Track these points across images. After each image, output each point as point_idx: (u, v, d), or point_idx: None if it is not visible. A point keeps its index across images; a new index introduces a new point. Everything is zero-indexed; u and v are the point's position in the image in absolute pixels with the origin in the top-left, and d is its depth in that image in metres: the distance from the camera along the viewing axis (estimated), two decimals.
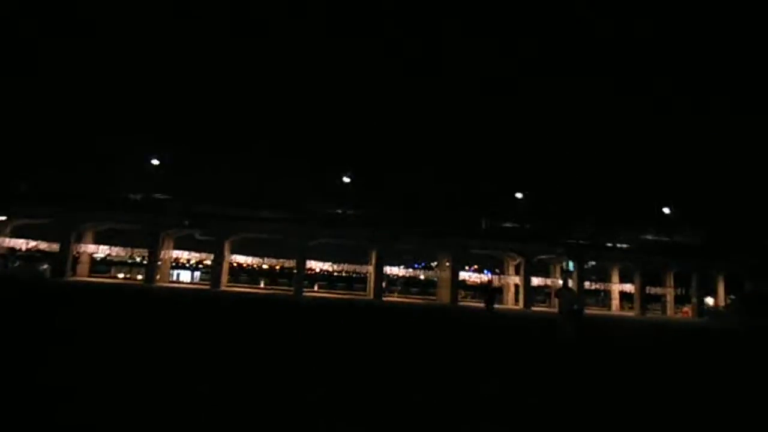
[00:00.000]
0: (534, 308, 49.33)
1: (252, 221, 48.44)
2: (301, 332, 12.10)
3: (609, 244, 55.00)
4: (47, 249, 46.50)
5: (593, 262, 55.28)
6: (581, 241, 53.33)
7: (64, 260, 44.18)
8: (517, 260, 53.65)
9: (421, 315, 24.10)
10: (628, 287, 55.27)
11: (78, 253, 48.17)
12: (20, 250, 47.30)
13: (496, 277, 61.37)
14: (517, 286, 54.06)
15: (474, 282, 64.33)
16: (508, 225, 54.16)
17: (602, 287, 58.49)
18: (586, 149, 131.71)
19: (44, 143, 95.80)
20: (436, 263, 60.16)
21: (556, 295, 15.22)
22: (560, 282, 55.54)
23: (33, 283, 32.64)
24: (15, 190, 44.97)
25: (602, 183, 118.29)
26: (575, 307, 16.07)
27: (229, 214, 47.73)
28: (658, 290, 55.93)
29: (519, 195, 54.53)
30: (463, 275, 57.46)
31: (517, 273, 54.35)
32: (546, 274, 56.38)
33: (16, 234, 47.88)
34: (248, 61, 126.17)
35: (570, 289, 17.19)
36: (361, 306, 30.20)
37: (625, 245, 54.75)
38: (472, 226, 52.51)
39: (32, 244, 47.13)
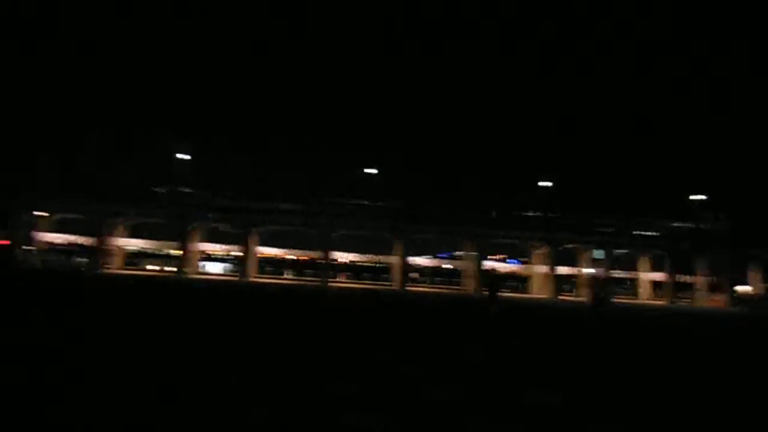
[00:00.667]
0: (561, 297, 48.92)
1: (276, 213, 49.31)
2: (324, 323, 12.41)
3: (638, 233, 53.97)
4: (84, 243, 48.36)
5: (622, 251, 54.30)
6: (609, 230, 52.48)
7: (99, 253, 45.87)
8: (543, 249, 53.17)
9: (442, 305, 24.24)
10: (658, 275, 54.15)
11: (112, 246, 49.91)
12: (60, 244, 49.30)
13: (515, 264, 60.99)
14: (543, 275, 53.65)
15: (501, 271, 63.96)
16: (533, 214, 53.72)
17: (631, 276, 57.47)
18: (613, 136, 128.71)
19: (76, 140, 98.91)
20: (461, 253, 60.13)
21: (587, 285, 15.94)
22: (588, 271, 54.92)
23: (72, 275, 34.02)
24: (51, 187, 46.83)
25: (631, 171, 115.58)
26: (602, 295, 16.34)
27: (254, 206, 48.70)
28: (688, 279, 54.63)
29: (544, 184, 53.90)
30: (489, 264, 57.28)
31: (543, 262, 53.90)
32: (573, 263, 55.69)
33: (56, 229, 49.96)
34: (269, 53, 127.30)
35: (598, 278, 17.83)
36: (386, 296, 30.47)
37: (654, 233, 53.63)
38: (496, 215, 52.27)
39: (70, 238, 49.14)
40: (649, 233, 53.97)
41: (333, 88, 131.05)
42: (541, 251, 53.98)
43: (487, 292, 17.05)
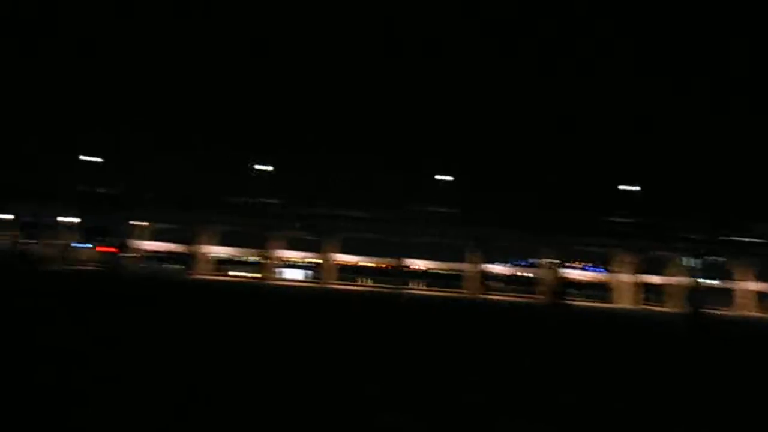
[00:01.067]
0: (647, 307, 46.58)
1: (354, 221, 50.49)
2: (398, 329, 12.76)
3: (736, 239, 50.34)
4: (177, 250, 51.83)
5: (718, 258, 50.82)
6: (702, 236, 49.33)
7: (190, 260, 48.99)
8: (629, 257, 50.82)
9: (522, 312, 23.92)
10: (759, 285, 50.16)
11: (202, 253, 53.08)
12: (155, 251, 53.11)
13: (597, 272, 58.57)
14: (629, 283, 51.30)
15: (580, 279, 61.77)
16: (617, 220, 51.49)
17: (728, 285, 53.53)
18: (706, 135, 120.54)
19: (164, 154, 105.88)
20: (539, 260, 58.66)
21: (681, 294, 14.82)
22: (678, 280, 51.86)
23: (169, 280, 36.61)
24: (146, 199, 50.73)
25: (726, 172, 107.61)
26: (697, 306, 15.58)
27: (332, 214, 50.14)
28: None
29: (631, 188, 51.46)
30: (570, 273, 55.53)
31: (629, 270, 51.52)
32: (661, 271, 52.75)
33: (152, 237, 53.93)
34: (346, 60, 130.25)
35: (694, 288, 16.86)
36: (462, 304, 30.44)
37: (755, 239, 49.78)
38: (578, 222, 50.58)
39: (164, 246, 52.87)
40: (748, 239, 50.18)
41: (406, 96, 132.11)
42: (625, 259, 51.62)
43: (553, 300, 15.91)
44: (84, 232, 51.57)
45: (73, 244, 50.38)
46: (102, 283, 24.46)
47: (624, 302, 51.37)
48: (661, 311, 42.40)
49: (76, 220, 48.58)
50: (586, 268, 63.44)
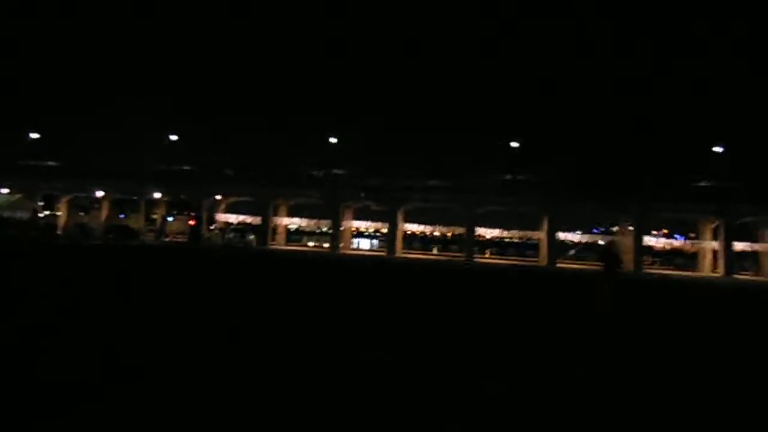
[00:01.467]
0: (738, 276, 43.53)
1: (423, 190, 50.47)
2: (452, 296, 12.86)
3: None
4: (252, 222, 54.39)
5: None
6: None
7: (265, 231, 51.27)
8: (715, 223, 47.48)
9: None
10: None
11: (276, 224, 55.36)
12: (233, 223, 56.01)
13: (681, 240, 55.10)
14: (715, 252, 48.10)
15: (662, 247, 58.64)
16: (703, 184, 47.99)
17: None
18: None
19: (238, 129, 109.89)
20: (616, 228, 56.19)
21: None
22: None
23: (244, 250, 38.76)
24: (222, 173, 53.24)
25: None
26: None
27: (400, 185, 50.35)
28: None
29: (717, 149, 47.66)
30: (650, 240, 52.83)
31: (715, 237, 48.22)
32: (752, 238, 48.87)
33: (229, 210, 56.88)
34: (417, 34, 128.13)
35: None
36: (534, 272, 29.93)
37: None
38: (659, 186, 47.64)
39: (241, 218, 55.64)
40: None
41: (469, 63, 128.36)
42: (712, 225, 48.28)
43: (602, 271, 12.72)
44: (169, 207, 55.18)
45: (166, 218, 54.24)
46: (192, 253, 26.27)
47: (709, 270, 48.40)
48: (751, 279, 39.56)
49: (158, 195, 51.99)
50: (676, 236, 59.95)
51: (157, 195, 51.93)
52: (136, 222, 52.15)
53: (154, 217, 54.67)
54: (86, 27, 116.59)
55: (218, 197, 54.35)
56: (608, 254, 12.15)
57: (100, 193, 51.94)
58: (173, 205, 54.38)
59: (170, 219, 54.30)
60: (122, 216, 53.95)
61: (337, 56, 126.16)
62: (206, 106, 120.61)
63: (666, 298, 16.40)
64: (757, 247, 48.77)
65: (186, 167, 54.38)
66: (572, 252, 61.75)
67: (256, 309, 8.69)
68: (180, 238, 50.76)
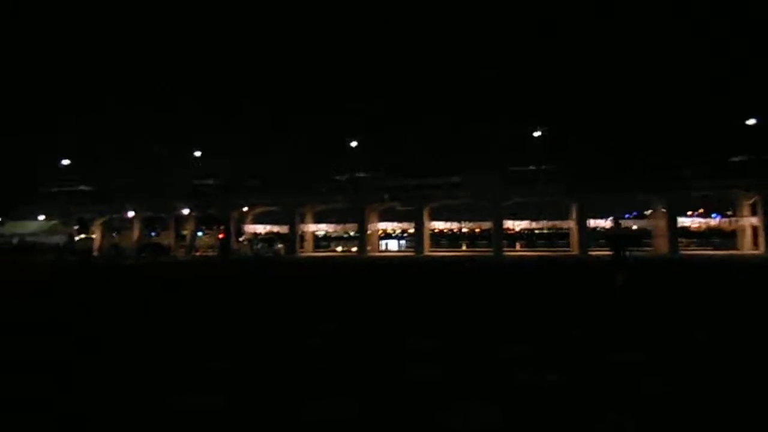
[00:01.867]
0: None
1: (446, 188, 50.16)
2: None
3: None
4: (280, 231, 54.99)
5: None
6: None
7: (293, 239, 51.71)
8: (753, 198, 45.82)
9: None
10: None
11: (303, 232, 55.80)
12: (260, 234, 56.71)
13: (703, 219, 53.35)
14: (755, 228, 46.45)
15: (698, 228, 56.87)
16: (738, 159, 46.42)
17: None
18: None
19: (261, 141, 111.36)
20: (650, 211, 54.79)
21: None
22: None
23: (273, 259, 39.12)
24: (247, 185, 54.01)
25: None
26: None
27: (424, 183, 50.18)
28: None
29: (751, 121, 45.99)
30: (685, 221, 51.30)
31: (753, 213, 46.57)
32: None
33: (257, 221, 57.64)
34: (433, 30, 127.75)
35: None
36: (566, 263, 29.30)
37: None
38: (691, 164, 46.29)
39: (268, 228, 56.33)
40: None
41: (489, 57, 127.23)
42: (750, 201, 46.64)
43: (612, 255, 12.52)
44: (198, 221, 56.18)
45: (195, 233, 55.31)
46: (224, 266, 26.63)
47: (749, 248, 46.76)
48: None
49: (187, 211, 52.97)
50: (713, 215, 58.14)
51: (186, 211, 52.94)
52: (167, 239, 53.25)
53: (185, 233, 55.73)
54: (85, 33, 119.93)
55: (245, 209, 55.09)
56: (614, 238, 12.06)
57: (131, 213, 53.26)
58: (202, 220, 55.37)
59: (200, 234, 55.29)
60: (153, 234, 55.18)
61: (351, 57, 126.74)
62: (226, 118, 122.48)
63: (683, 279, 15.84)
64: None
65: (211, 181, 55.40)
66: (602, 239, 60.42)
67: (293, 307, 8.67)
68: (210, 252, 51.63)
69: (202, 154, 55.69)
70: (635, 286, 11.92)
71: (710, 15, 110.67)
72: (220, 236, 48.96)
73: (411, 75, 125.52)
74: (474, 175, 49.45)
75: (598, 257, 35.37)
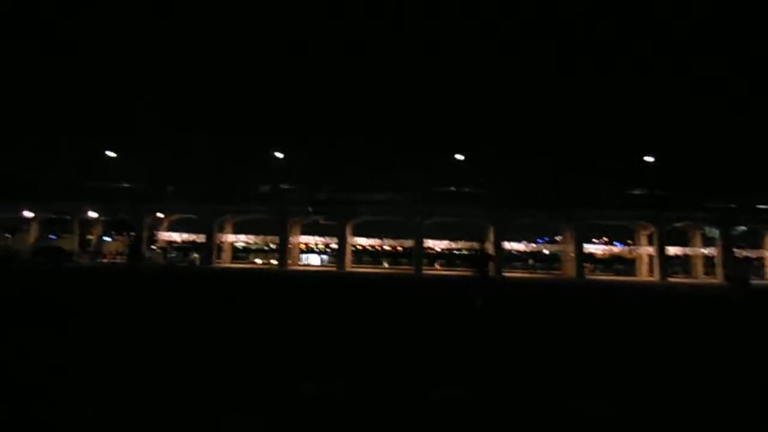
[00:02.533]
0: (671, 279, 45.70)
1: (371, 204, 50.50)
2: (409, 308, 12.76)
3: (762, 206, 48.83)
4: (196, 240, 52.79)
5: (743, 228, 49.45)
6: (726, 205, 47.99)
7: (210, 249, 49.79)
8: (650, 229, 49.84)
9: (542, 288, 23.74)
10: None
11: (221, 242, 53.93)
12: (176, 242, 54.18)
13: (606, 247, 57.68)
14: (651, 257, 50.48)
15: (603, 254, 60.93)
16: (638, 192, 50.42)
17: (756, 255, 52.17)
18: (725, 102, 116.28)
19: (180, 145, 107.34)
20: (560, 237, 58.08)
21: (723, 265, 14.18)
22: (701, 251, 50.75)
23: (186, 269, 37.39)
24: (165, 191, 51.46)
25: (751, 138, 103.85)
26: (742, 274, 15.49)
27: (347, 199, 50.25)
28: None
29: (649, 159, 50.22)
30: (590, 248, 54.76)
31: (650, 243, 50.65)
32: (684, 242, 51.73)
33: (172, 229, 55.03)
34: (356, 45, 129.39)
35: (736, 258, 16.57)
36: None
37: None
38: (597, 196, 49.69)
39: (184, 236, 53.90)
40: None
41: (415, 80, 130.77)
42: (647, 231, 50.72)
43: (476, 274, 12.84)
44: (107, 226, 52.81)
45: (102, 238, 51.83)
46: (128, 275, 25.06)
47: (646, 275, 50.66)
48: (682, 282, 41.54)
49: (94, 215, 49.70)
50: (615, 243, 62.67)
51: (93, 214, 49.63)
52: (70, 243, 49.57)
53: (91, 237, 52.19)
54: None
55: (160, 215, 52.51)
56: (478, 258, 12.81)
57: (28, 214, 49.14)
58: (111, 225, 52.11)
59: (107, 239, 51.98)
60: (53, 237, 51.20)
61: (281, 70, 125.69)
62: (146, 122, 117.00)
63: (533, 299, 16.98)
64: (687, 251, 51.55)
65: (125, 185, 52.37)
66: (517, 262, 63.16)
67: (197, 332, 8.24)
68: (119, 259, 48.60)
69: (117, 155, 52.50)
70: (493, 307, 12.39)
71: (623, 54, 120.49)
72: (130, 243, 46.29)
73: (340, 95, 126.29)
74: (398, 193, 50.25)
75: (510, 278, 36.87)
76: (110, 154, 52.44)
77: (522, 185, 52.61)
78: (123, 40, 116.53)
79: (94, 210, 49.27)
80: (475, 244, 14.22)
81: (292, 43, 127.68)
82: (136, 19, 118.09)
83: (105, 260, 48.35)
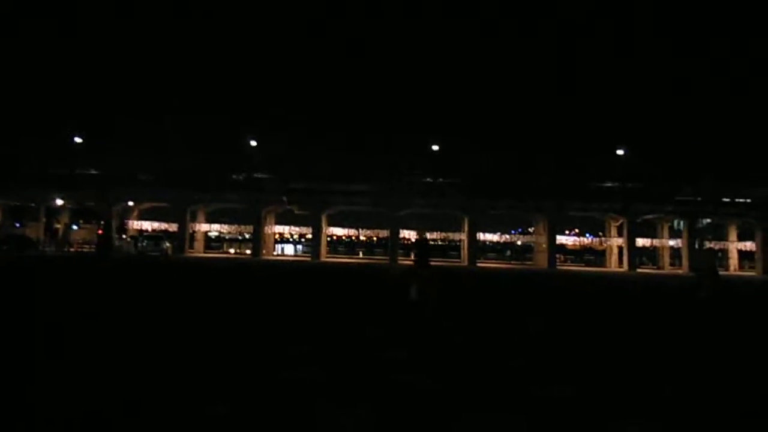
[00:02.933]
0: (640, 270, 46.94)
1: (346, 194, 50.29)
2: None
3: (726, 200, 50.37)
4: (168, 229, 51.76)
5: (707, 220, 50.97)
6: (693, 198, 49.38)
7: (182, 238, 48.95)
8: (620, 221, 50.95)
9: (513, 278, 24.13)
10: (749, 245, 50.53)
11: (194, 231, 53.06)
12: (146, 231, 53.06)
13: (578, 238, 59.14)
14: (621, 248, 51.69)
15: (574, 246, 62.07)
16: (608, 185, 51.40)
17: (719, 246, 53.86)
18: (694, 94, 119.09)
19: (151, 131, 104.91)
20: (532, 228, 58.89)
21: (692, 256, 14.72)
22: (669, 243, 52.20)
23: (157, 259, 36.75)
24: (136, 179, 50.26)
25: (717, 133, 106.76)
26: (712, 266, 15.99)
27: (323, 188, 49.92)
28: None
29: (620, 152, 51.11)
30: (562, 239, 55.71)
31: (620, 234, 51.80)
32: (652, 234, 53.09)
33: (143, 217, 53.88)
34: (336, 33, 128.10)
35: (707, 250, 17.22)
36: (452, 272, 30.50)
37: (746, 200, 49.81)
38: (569, 188, 50.46)
39: (155, 225, 52.79)
40: (742, 200, 50.23)
41: (392, 67, 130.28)
42: (617, 223, 51.84)
43: (416, 261, 12.53)
44: (75, 214, 51.44)
45: (70, 227, 50.48)
46: (96, 264, 24.52)
47: (615, 266, 51.86)
48: (652, 273, 42.68)
49: (61, 202, 48.33)
50: (587, 234, 63.91)
51: (60, 202, 48.24)
52: (35, 231, 48.11)
53: (58, 226, 50.78)
54: None
55: (130, 203, 51.35)
56: (420, 247, 12.87)
57: None
58: (79, 213, 50.75)
59: (75, 228, 50.64)
60: (18, 225, 49.61)
61: (255, 56, 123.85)
62: (118, 106, 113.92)
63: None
64: (656, 242, 52.94)
65: (93, 171, 50.86)
66: (491, 252, 63.96)
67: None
68: (87, 248, 47.46)
69: (84, 141, 50.86)
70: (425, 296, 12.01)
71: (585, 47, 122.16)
72: (99, 231, 45.23)
73: (316, 82, 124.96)
74: (374, 183, 50.15)
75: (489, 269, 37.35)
76: (78, 140, 50.92)
77: (496, 177, 52.90)
78: (87, 20, 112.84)
79: (62, 198, 47.89)
80: (420, 234, 14.09)
81: (265, 29, 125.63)
82: None
83: (73, 249, 47.14)
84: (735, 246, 52.51)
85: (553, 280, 26.03)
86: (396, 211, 49.86)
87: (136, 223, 52.72)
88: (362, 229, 57.24)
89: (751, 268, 50.44)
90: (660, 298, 16.60)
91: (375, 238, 61.66)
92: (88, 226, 50.61)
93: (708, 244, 42.80)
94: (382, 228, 54.17)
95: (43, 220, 49.49)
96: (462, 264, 49.68)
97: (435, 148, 51.06)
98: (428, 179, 51.69)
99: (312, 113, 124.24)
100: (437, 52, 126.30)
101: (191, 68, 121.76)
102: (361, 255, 63.27)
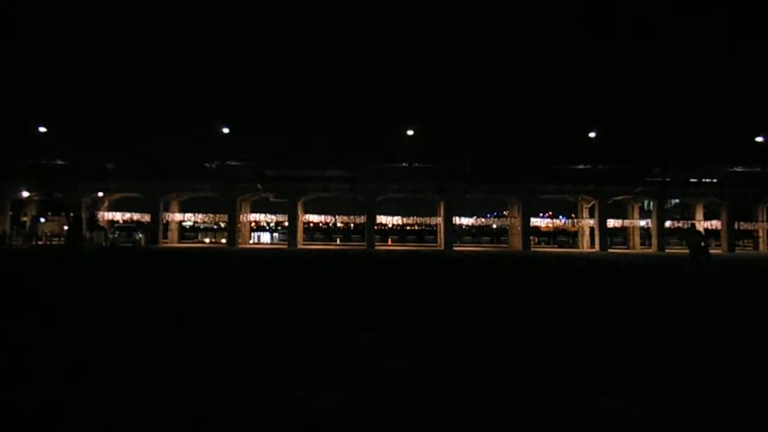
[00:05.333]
0: (611, 250, 48.02)
1: (322, 180, 49.99)
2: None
3: (694, 180, 51.75)
4: (140, 219, 50.76)
5: (676, 200, 52.30)
6: (662, 179, 50.55)
7: (155, 229, 48.09)
8: (591, 203, 51.93)
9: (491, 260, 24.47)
10: (715, 223, 52.11)
11: (167, 221, 52.15)
12: (118, 222, 51.96)
13: (551, 220, 60.14)
14: (592, 229, 52.73)
15: (548, 228, 63.09)
16: (580, 167, 52.23)
17: (685, 225, 55.43)
18: (661, 78, 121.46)
19: (121, 120, 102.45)
20: (507, 212, 59.59)
21: (683, 236, 16.04)
22: (639, 223, 53.50)
23: (131, 250, 36.12)
24: (105, 168, 49.00)
25: (683, 114, 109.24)
26: (702, 244, 17.20)
27: (298, 175, 49.52)
28: (749, 226, 52.45)
29: (591, 134, 51.94)
30: (536, 221, 56.54)
31: (591, 216, 52.83)
32: (623, 215, 54.29)
33: (114, 208, 52.68)
34: (307, 21, 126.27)
35: (696, 231, 18.46)
36: (428, 255, 30.76)
37: (711, 179, 51.27)
38: (541, 171, 51.11)
39: (127, 215, 51.70)
40: (708, 180, 51.69)
41: (367, 49, 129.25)
42: (589, 205, 52.81)
43: None
44: (42, 206, 50.05)
45: (38, 219, 49.05)
46: (65, 257, 23.97)
47: (587, 246, 52.94)
48: (622, 253, 43.70)
49: (27, 194, 46.91)
50: (560, 216, 64.86)
51: (26, 193, 46.83)
52: (1, 224, 46.66)
53: (25, 219, 49.34)
54: None
55: (100, 194, 50.14)
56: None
57: None
58: (47, 205, 49.34)
59: (43, 220, 49.26)
60: None
61: (230, 44, 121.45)
62: (86, 96, 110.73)
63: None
64: (626, 223, 54.19)
65: (60, 162, 49.37)
66: (467, 236, 64.55)
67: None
68: (56, 241, 46.26)
69: (49, 130, 49.22)
70: None
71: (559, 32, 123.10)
72: (65, 225, 44.10)
73: (290, 68, 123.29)
74: (349, 169, 49.94)
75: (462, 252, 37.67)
76: (42, 129, 49.27)
77: (471, 161, 53.21)
78: (54, 9, 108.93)
79: (28, 189, 46.47)
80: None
81: (233, 13, 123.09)
82: None
83: (41, 242, 45.90)
84: (701, 225, 54.08)
85: (550, 261, 26.48)
86: (372, 196, 49.85)
87: (107, 214, 51.55)
88: (339, 215, 57.06)
89: (717, 245, 52.04)
90: (665, 272, 17.55)
91: (352, 225, 61.51)
92: (56, 218, 49.23)
93: (698, 226, 44.35)
94: (358, 214, 54.11)
95: (9, 212, 47.99)
96: (439, 248, 50.07)
97: (410, 132, 51.00)
98: (404, 164, 51.71)
99: (286, 99, 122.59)
100: (412, 36, 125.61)
101: (160, 54, 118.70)
102: (338, 242, 63.19)
